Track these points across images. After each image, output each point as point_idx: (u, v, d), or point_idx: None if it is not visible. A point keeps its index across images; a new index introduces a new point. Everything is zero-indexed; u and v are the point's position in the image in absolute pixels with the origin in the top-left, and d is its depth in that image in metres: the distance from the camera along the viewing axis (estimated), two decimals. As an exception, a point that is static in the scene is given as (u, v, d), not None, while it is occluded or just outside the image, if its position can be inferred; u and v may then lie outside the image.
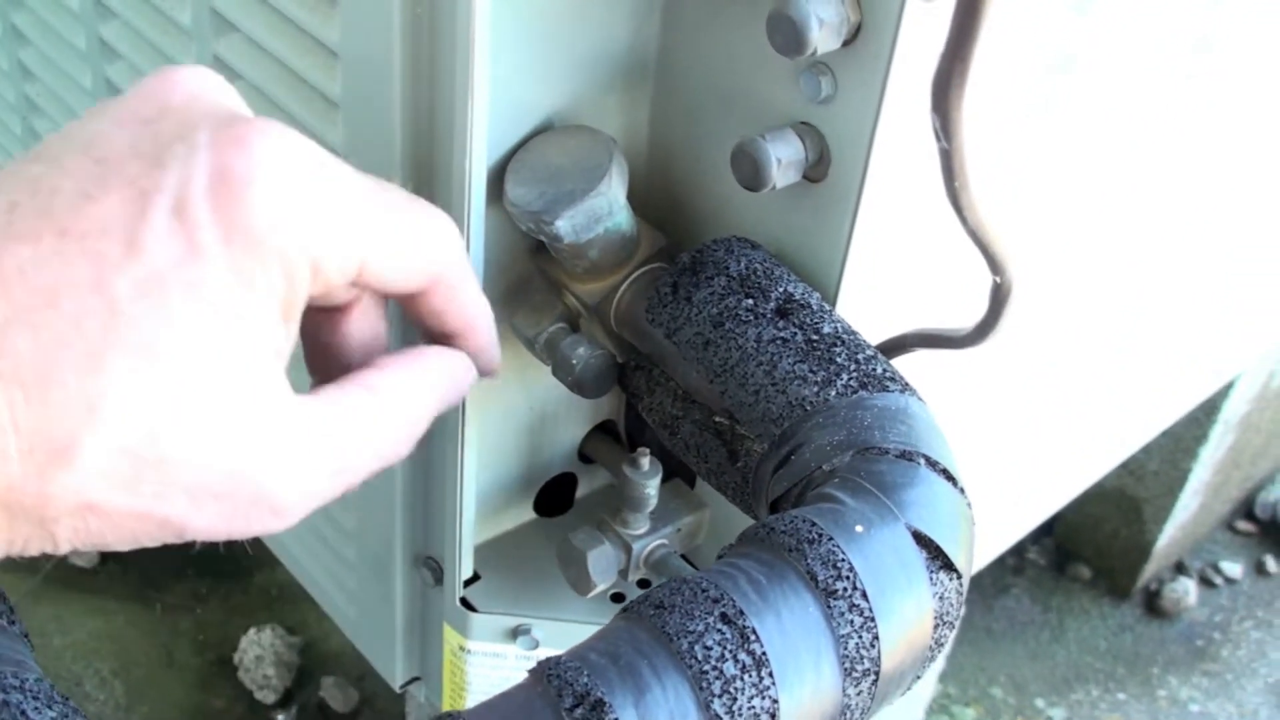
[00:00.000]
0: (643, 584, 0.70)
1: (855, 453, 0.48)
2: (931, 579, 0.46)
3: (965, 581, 0.47)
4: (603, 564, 0.64)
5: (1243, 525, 1.59)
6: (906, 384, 0.52)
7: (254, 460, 0.37)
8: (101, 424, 0.34)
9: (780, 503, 0.50)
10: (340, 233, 0.38)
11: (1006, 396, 0.82)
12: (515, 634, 0.68)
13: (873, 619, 0.44)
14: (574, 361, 0.58)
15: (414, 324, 0.47)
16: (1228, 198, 0.88)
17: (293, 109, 0.60)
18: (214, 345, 0.36)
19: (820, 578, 0.44)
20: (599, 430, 0.71)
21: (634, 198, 0.57)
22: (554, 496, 0.72)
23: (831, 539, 0.45)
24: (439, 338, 0.47)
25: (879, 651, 0.44)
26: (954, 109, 0.37)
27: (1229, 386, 1.22)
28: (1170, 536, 1.43)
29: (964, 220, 0.42)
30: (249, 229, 0.36)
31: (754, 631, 0.42)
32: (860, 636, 0.44)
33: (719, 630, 0.42)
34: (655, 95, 0.59)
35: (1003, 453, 0.88)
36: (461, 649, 0.70)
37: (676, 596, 0.43)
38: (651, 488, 0.64)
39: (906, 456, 0.48)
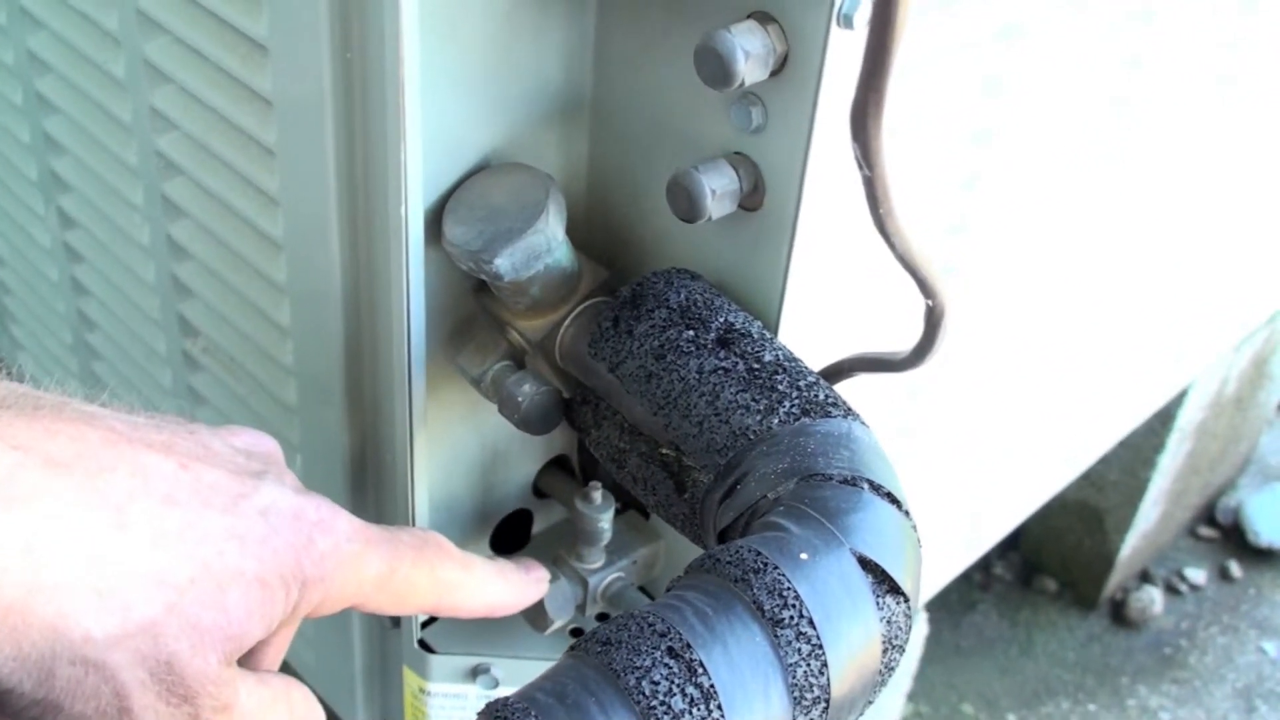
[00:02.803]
0: (601, 617, 0.70)
1: (799, 480, 0.48)
2: (878, 603, 0.46)
3: (913, 604, 0.48)
4: (559, 600, 0.64)
5: (1205, 531, 1.59)
6: (849, 409, 0.52)
7: (200, 688, 0.43)
8: (135, 606, 0.41)
9: (728, 532, 0.50)
10: (354, 594, 0.49)
11: (963, 414, 0.82)
12: (475, 674, 0.68)
13: (820, 646, 0.44)
14: (519, 399, 0.58)
15: None
16: (1172, 210, 0.89)
17: (230, 158, 0.60)
18: (249, 605, 0.43)
19: (766, 607, 0.44)
20: (553, 465, 0.71)
21: (575, 232, 0.57)
22: (510, 533, 0.72)
23: (777, 567, 0.45)
24: None
25: (828, 679, 0.44)
26: (873, 137, 0.37)
27: (1183, 395, 1.22)
28: (1134, 546, 1.43)
29: (892, 246, 0.42)
30: (303, 558, 0.45)
31: (701, 664, 0.42)
32: (809, 664, 0.44)
33: (666, 664, 0.42)
34: (592, 130, 0.59)
35: (963, 470, 0.88)
36: (422, 691, 0.69)
37: (623, 632, 0.43)
38: (605, 521, 0.63)
39: (850, 481, 0.48)
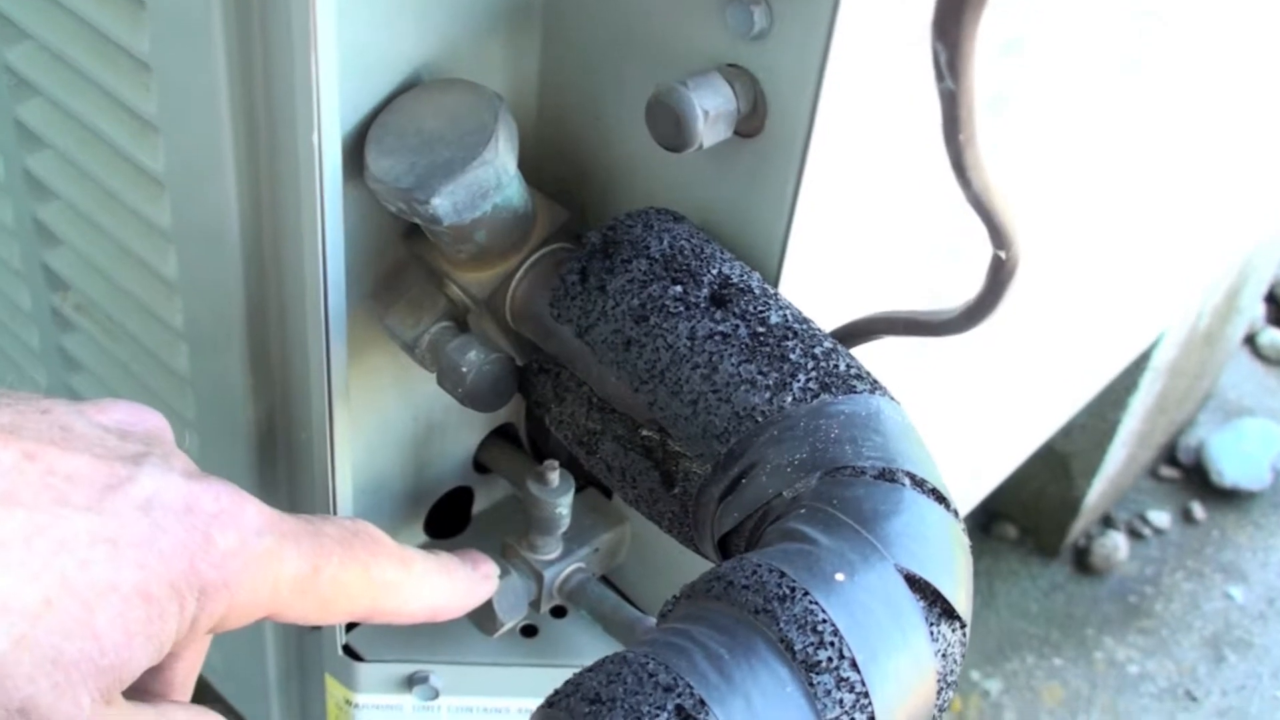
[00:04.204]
0: (557, 612, 0.62)
1: (823, 474, 0.39)
2: (932, 633, 0.37)
3: (968, 631, 0.38)
4: (510, 598, 0.56)
5: (1166, 471, 1.53)
6: (875, 381, 0.43)
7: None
8: None
9: (731, 539, 0.41)
10: (268, 601, 0.41)
11: (952, 376, 0.74)
12: (411, 683, 0.60)
13: (866, 694, 0.35)
14: (464, 369, 0.49)
15: None
16: (1175, 144, 0.82)
17: (96, 74, 0.51)
18: (129, 626, 0.36)
19: (797, 646, 0.35)
20: (497, 435, 0.63)
21: (526, 165, 0.50)
22: (447, 514, 0.64)
23: (807, 593, 0.36)
24: None
25: (875, 735, 0.35)
26: (966, 38, 0.28)
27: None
28: (1099, 490, 1.37)
29: (967, 182, 0.33)
30: (199, 560, 0.38)
31: (720, 728, 0.33)
32: (852, 718, 0.34)
33: (675, 732, 0.33)
34: (546, 38, 0.51)
35: (951, 435, 0.81)
36: (348, 703, 0.60)
37: (617, 685, 0.34)
38: (563, 506, 0.55)
39: (886, 476, 0.39)
